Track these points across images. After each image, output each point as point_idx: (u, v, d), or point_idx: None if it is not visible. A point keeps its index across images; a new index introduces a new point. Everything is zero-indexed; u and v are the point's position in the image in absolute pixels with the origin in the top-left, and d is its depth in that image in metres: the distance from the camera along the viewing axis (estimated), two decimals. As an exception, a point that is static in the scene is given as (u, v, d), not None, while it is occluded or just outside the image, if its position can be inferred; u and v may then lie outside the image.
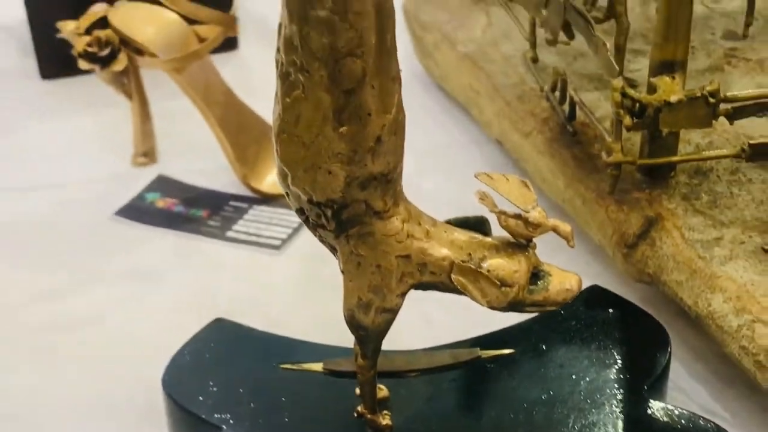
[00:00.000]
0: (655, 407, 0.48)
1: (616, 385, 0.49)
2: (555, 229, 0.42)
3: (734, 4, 0.78)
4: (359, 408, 0.48)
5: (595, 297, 0.55)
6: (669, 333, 0.52)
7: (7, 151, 0.83)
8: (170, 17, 0.74)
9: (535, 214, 0.42)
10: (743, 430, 0.52)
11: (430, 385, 0.50)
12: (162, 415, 0.52)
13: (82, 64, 0.73)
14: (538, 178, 0.69)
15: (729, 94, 0.57)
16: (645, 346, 0.52)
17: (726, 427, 0.47)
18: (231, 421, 0.48)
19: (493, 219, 0.43)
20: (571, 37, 0.65)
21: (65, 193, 0.76)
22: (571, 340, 0.52)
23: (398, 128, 0.41)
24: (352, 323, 0.45)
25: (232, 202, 0.74)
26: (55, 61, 0.90)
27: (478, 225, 0.44)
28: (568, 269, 0.45)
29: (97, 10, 0.75)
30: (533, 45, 0.74)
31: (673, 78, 0.57)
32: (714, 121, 0.57)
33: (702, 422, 0.47)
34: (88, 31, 0.73)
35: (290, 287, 0.66)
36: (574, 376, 0.50)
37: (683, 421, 0.47)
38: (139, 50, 0.74)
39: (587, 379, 0.50)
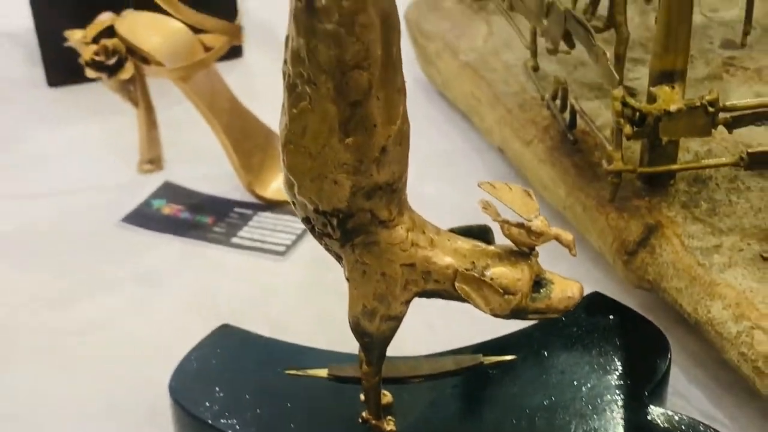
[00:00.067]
0: (656, 413, 0.48)
1: (617, 391, 0.50)
2: (557, 238, 0.42)
3: (732, 13, 0.78)
4: (364, 414, 0.48)
5: (595, 304, 0.55)
6: (669, 339, 0.52)
7: (15, 158, 0.83)
8: (176, 26, 0.75)
9: (538, 223, 0.42)
10: (743, 435, 0.53)
11: (433, 391, 0.50)
12: (168, 419, 0.52)
13: (90, 73, 0.73)
14: (539, 185, 0.69)
15: (728, 103, 0.57)
16: (645, 352, 0.52)
17: (725, 433, 0.47)
18: (237, 427, 0.48)
19: (496, 227, 0.43)
20: (571, 46, 0.65)
21: (72, 200, 0.76)
22: (573, 347, 0.52)
23: (403, 139, 0.41)
24: (357, 330, 0.45)
25: (237, 209, 0.74)
26: (62, 69, 0.90)
27: (481, 233, 0.44)
28: (569, 275, 0.45)
29: (104, 19, 0.75)
30: (534, 54, 0.74)
31: (673, 87, 0.57)
32: (713, 130, 0.57)
33: (702, 428, 0.47)
34: (95, 40, 0.73)
35: (294, 293, 0.66)
36: (575, 382, 0.50)
37: (683, 427, 0.47)
38: (145, 59, 0.74)
39: (588, 385, 0.50)
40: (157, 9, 0.71)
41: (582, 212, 0.63)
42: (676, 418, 0.48)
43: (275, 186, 0.75)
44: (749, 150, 0.58)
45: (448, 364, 0.52)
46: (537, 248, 0.43)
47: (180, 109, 0.77)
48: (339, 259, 0.44)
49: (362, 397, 0.48)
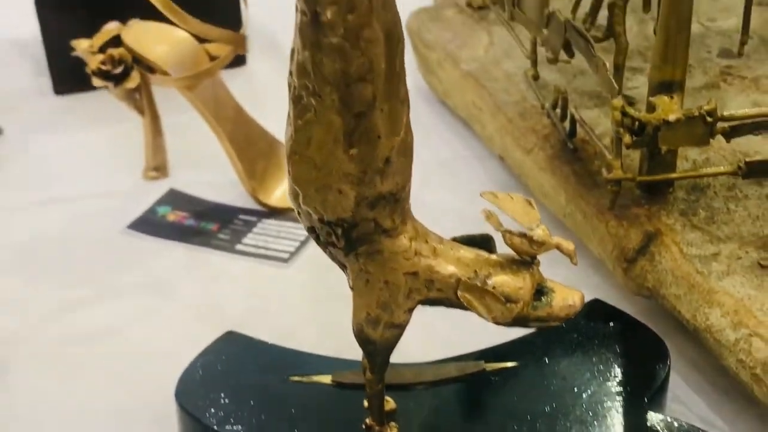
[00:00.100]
0: (655, 419, 0.48)
1: (617, 398, 0.50)
2: (558, 247, 0.43)
3: (730, 23, 0.79)
4: (367, 420, 0.48)
5: (596, 311, 0.55)
6: (668, 346, 0.53)
7: (22, 166, 0.83)
8: (181, 36, 0.75)
9: (539, 233, 0.42)
10: (741, 441, 0.53)
11: (436, 398, 0.50)
12: (173, 425, 0.52)
13: (96, 82, 0.74)
14: (539, 193, 0.69)
15: (726, 113, 0.57)
16: (645, 359, 0.52)
17: (724, 439, 0.47)
18: (242, 432, 0.49)
19: (498, 236, 0.43)
20: (571, 55, 0.65)
21: (78, 207, 0.77)
22: (573, 354, 0.53)
23: (407, 149, 0.41)
24: (361, 338, 0.45)
25: (241, 216, 0.75)
26: (69, 77, 0.90)
27: (483, 242, 0.44)
28: (570, 282, 0.45)
29: (110, 29, 0.75)
30: (534, 63, 0.74)
31: (672, 97, 0.57)
32: (711, 140, 0.57)
33: (701, 434, 0.47)
34: (101, 50, 0.74)
35: (298, 299, 0.66)
36: (576, 389, 0.50)
37: (683, 433, 0.47)
38: (151, 68, 0.74)
39: (589, 391, 0.50)
40: (163, 19, 0.71)
41: (582, 220, 0.64)
42: (676, 424, 0.48)
43: (279, 193, 0.75)
44: (747, 159, 0.59)
45: (451, 371, 0.52)
46: (538, 257, 0.44)
47: (185, 117, 0.77)
48: (343, 267, 0.44)
49: (366, 403, 0.48)
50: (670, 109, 0.56)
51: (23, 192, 0.79)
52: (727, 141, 0.58)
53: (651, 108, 0.57)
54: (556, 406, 0.49)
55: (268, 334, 0.57)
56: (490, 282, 0.43)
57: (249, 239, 0.72)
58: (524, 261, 0.43)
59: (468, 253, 0.44)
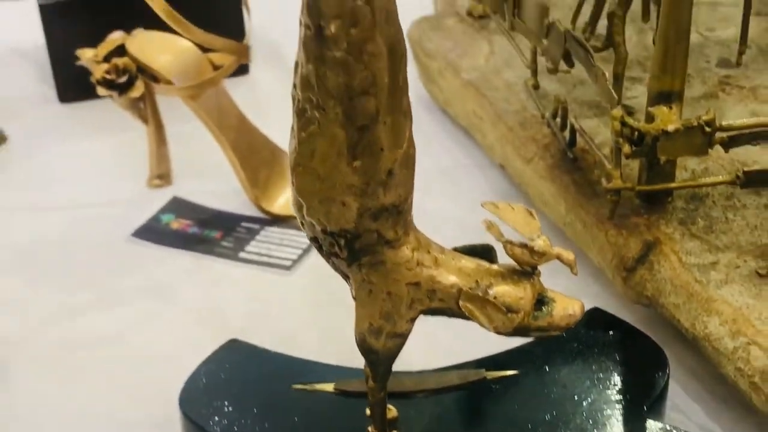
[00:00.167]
0: (655, 427, 0.48)
1: (616, 406, 0.50)
2: (559, 258, 0.43)
3: (728, 33, 0.79)
4: (370, 428, 0.48)
5: (595, 320, 0.55)
6: (667, 354, 0.53)
7: (28, 173, 0.83)
8: (185, 45, 0.75)
9: (540, 243, 0.42)
10: (740, 449, 0.53)
11: (437, 406, 0.51)
12: (175, 429, 0.52)
13: (101, 91, 0.74)
14: (539, 202, 0.69)
15: (724, 123, 0.57)
16: (644, 367, 0.52)
17: (723, 447, 0.47)
18: (246, 440, 0.49)
19: (499, 246, 0.43)
20: (571, 65, 0.65)
21: (83, 215, 0.77)
22: (573, 362, 0.53)
23: (409, 162, 0.41)
24: (364, 347, 0.45)
25: (244, 224, 0.75)
26: (73, 85, 0.90)
27: (484, 253, 0.45)
28: (569, 291, 0.45)
29: (114, 38, 0.75)
30: (534, 73, 0.75)
31: (671, 108, 0.57)
32: (710, 150, 0.57)
33: (700, 442, 0.47)
34: (106, 59, 0.74)
35: (301, 307, 0.66)
36: (576, 397, 0.51)
37: (682, 441, 0.47)
38: (155, 77, 0.74)
39: (589, 399, 0.50)
40: (167, 28, 0.71)
41: (582, 229, 0.64)
42: (675, 432, 0.48)
43: (282, 201, 0.76)
44: (745, 168, 0.59)
45: (452, 379, 0.52)
46: (539, 267, 0.44)
47: (188, 125, 0.78)
48: (346, 278, 0.45)
49: (368, 411, 0.48)
50: (669, 119, 0.57)
51: (28, 199, 0.79)
52: (726, 151, 0.58)
53: (650, 118, 0.57)
54: (557, 414, 0.49)
55: (270, 341, 0.57)
56: (491, 292, 0.43)
57: (252, 247, 0.72)
58: (525, 271, 0.43)
59: (469, 263, 0.44)
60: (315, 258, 0.68)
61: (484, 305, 0.43)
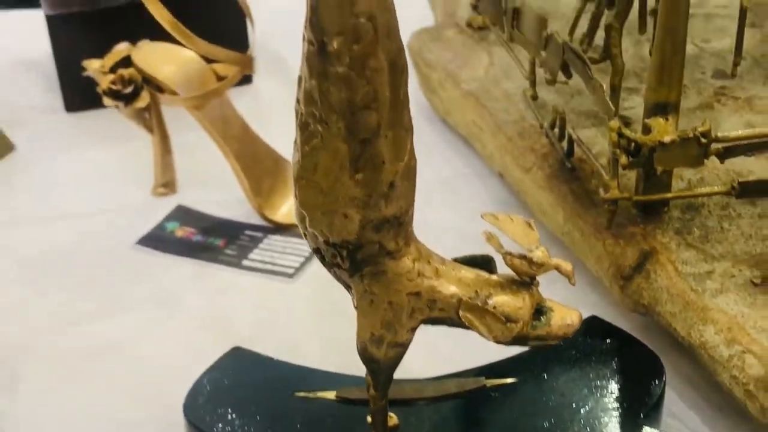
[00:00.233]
0: (651, 435, 0.48)
1: (613, 413, 0.50)
2: (557, 268, 0.43)
3: (723, 44, 0.79)
4: (371, 436, 0.48)
5: (593, 328, 0.55)
6: (664, 362, 0.53)
7: (34, 182, 0.83)
8: (190, 56, 0.75)
9: (539, 254, 0.43)
10: (735, 456, 0.53)
11: (437, 413, 0.51)
12: (181, 436, 0.52)
13: (107, 102, 0.74)
14: (538, 211, 0.69)
15: (720, 134, 0.57)
16: (641, 375, 0.52)
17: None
18: (249, 447, 0.49)
19: (498, 257, 0.43)
20: (569, 76, 0.66)
21: (89, 223, 0.77)
22: (571, 370, 0.53)
23: (410, 174, 0.42)
24: (365, 356, 0.45)
25: (247, 232, 0.75)
26: (80, 94, 0.91)
27: (484, 263, 0.45)
28: (567, 298, 0.45)
29: (120, 49, 0.76)
30: (533, 83, 0.75)
31: (667, 119, 0.57)
32: (705, 160, 0.58)
33: (696, 449, 0.47)
34: (112, 70, 0.74)
35: (303, 313, 0.66)
36: (573, 405, 0.51)
37: (678, 449, 0.47)
38: (160, 88, 0.75)
39: (586, 407, 0.50)
40: (172, 40, 0.72)
41: (580, 238, 0.64)
42: (671, 439, 0.48)
43: (284, 209, 0.76)
44: (740, 179, 0.59)
45: (452, 387, 0.52)
46: (537, 277, 0.44)
47: (193, 135, 0.78)
48: (348, 288, 0.45)
49: (369, 418, 0.48)
50: (665, 130, 0.57)
51: (35, 206, 0.80)
52: (721, 162, 0.58)
53: (646, 130, 0.57)
54: (555, 422, 0.49)
55: (273, 348, 0.57)
56: (490, 302, 0.43)
57: (255, 255, 0.72)
58: (524, 281, 0.44)
59: (469, 273, 0.44)
60: (317, 266, 0.68)
61: (483, 315, 0.43)
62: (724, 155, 0.58)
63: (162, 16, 0.71)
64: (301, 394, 0.52)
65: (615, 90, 0.65)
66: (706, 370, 0.54)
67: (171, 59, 0.75)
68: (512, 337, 0.43)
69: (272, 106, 0.92)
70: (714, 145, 0.57)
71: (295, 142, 0.41)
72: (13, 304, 0.68)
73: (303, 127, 0.40)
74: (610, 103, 0.59)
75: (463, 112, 0.81)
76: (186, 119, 0.76)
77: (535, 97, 0.75)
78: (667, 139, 0.56)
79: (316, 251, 0.44)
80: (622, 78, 0.65)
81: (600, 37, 0.74)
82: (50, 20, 0.90)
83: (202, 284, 0.69)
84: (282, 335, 0.63)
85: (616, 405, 0.50)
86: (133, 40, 0.76)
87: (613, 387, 0.52)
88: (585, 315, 0.47)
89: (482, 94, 0.79)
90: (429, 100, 0.88)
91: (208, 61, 0.75)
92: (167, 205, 0.78)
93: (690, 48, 0.71)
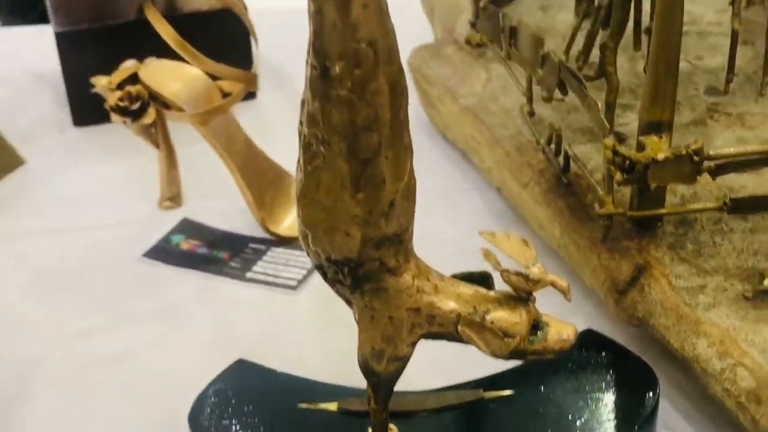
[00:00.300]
0: (646, 446, 0.49)
1: (609, 425, 0.50)
2: (553, 285, 0.43)
3: (716, 61, 0.79)
4: (372, 447, 0.49)
5: (589, 340, 0.55)
6: (658, 374, 0.53)
7: (42, 195, 0.84)
8: (195, 73, 0.76)
9: (535, 271, 0.43)
10: (728, 467, 0.53)
11: (437, 425, 0.51)
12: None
13: (114, 118, 0.74)
14: (535, 225, 0.70)
15: (712, 152, 0.57)
16: (636, 387, 0.52)
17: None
18: (253, 458, 0.49)
19: (496, 273, 0.44)
20: (565, 93, 0.66)
21: (96, 235, 0.77)
22: (567, 382, 0.53)
23: (410, 193, 0.42)
24: (366, 370, 0.45)
25: (251, 245, 0.75)
26: (88, 109, 0.91)
27: (482, 279, 0.45)
28: (564, 311, 0.46)
29: (128, 67, 0.76)
30: (530, 100, 0.75)
31: (660, 137, 0.58)
32: (698, 177, 0.58)
33: (689, 461, 0.48)
34: (119, 86, 0.74)
35: (306, 326, 0.66)
36: (570, 416, 0.51)
37: (672, 460, 0.48)
38: (166, 104, 0.75)
39: (582, 418, 0.51)
40: (178, 57, 0.72)
41: (576, 251, 0.64)
42: (665, 451, 0.48)
43: (287, 223, 0.76)
44: (732, 195, 0.59)
45: (451, 399, 0.52)
46: (534, 293, 0.44)
47: (198, 149, 0.78)
48: (349, 303, 0.45)
49: (370, 430, 0.49)
50: (658, 148, 0.57)
51: (43, 219, 0.80)
52: (713, 178, 0.59)
53: (641, 147, 0.58)
54: (551, 433, 0.50)
55: (276, 359, 0.57)
56: (488, 317, 0.43)
57: (259, 267, 0.72)
58: (521, 297, 0.44)
59: (467, 289, 0.44)
60: (319, 278, 0.67)
61: (481, 330, 0.43)
62: (715, 172, 0.58)
63: (168, 34, 0.72)
64: (304, 405, 0.52)
65: (610, 107, 0.65)
66: (699, 382, 0.55)
67: (177, 76, 0.76)
68: (509, 352, 0.44)
69: (275, 120, 0.93)
70: (706, 163, 0.57)
71: (298, 161, 0.41)
72: (24, 318, 0.68)
73: (306, 147, 0.40)
74: (605, 120, 0.60)
75: (462, 127, 0.81)
76: (191, 133, 0.76)
77: (532, 113, 0.75)
78: (660, 156, 0.57)
79: (319, 268, 0.44)
80: (616, 95, 0.65)
81: (595, 54, 0.74)
82: (59, 37, 0.91)
83: (207, 296, 0.70)
84: (285, 347, 0.64)
85: (611, 416, 0.51)
86: (140, 58, 0.77)
87: (609, 398, 0.52)
88: (580, 326, 0.47)
89: (480, 110, 0.79)
90: (429, 115, 0.88)
91: (213, 78, 0.76)
92: (173, 218, 0.78)
93: (683, 65, 0.72)
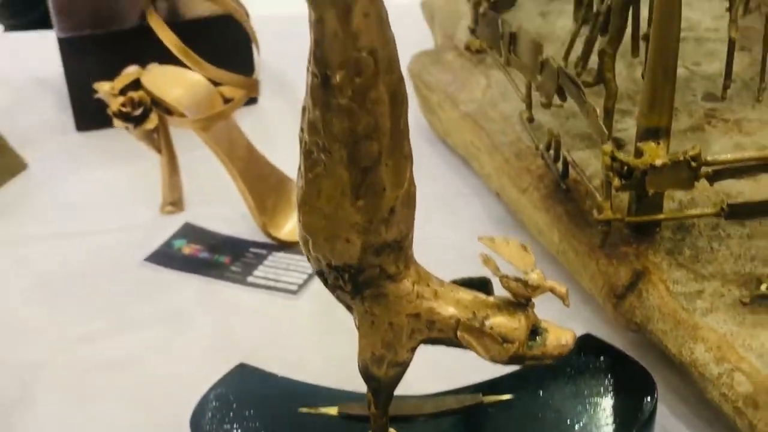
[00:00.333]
0: (644, 451, 0.49)
1: (607, 429, 0.50)
2: (552, 290, 0.43)
3: (714, 67, 0.80)
4: (372, 451, 0.49)
5: (587, 345, 0.55)
6: (656, 378, 0.53)
7: (44, 200, 0.84)
8: (197, 79, 0.76)
9: (534, 277, 0.43)
10: (725, 471, 0.53)
11: (436, 429, 0.51)
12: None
13: (117, 123, 0.75)
14: (534, 230, 0.70)
15: (709, 158, 0.58)
16: (634, 392, 0.53)
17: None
18: (254, 462, 0.49)
19: (495, 279, 0.44)
20: (564, 100, 0.66)
21: (99, 240, 0.77)
22: (566, 387, 0.53)
23: (410, 200, 0.42)
24: (366, 375, 0.46)
25: (252, 249, 0.75)
26: (90, 114, 0.91)
27: (481, 285, 0.45)
28: (562, 316, 0.46)
29: (130, 72, 0.76)
30: (529, 106, 0.75)
31: (658, 143, 0.58)
32: (696, 182, 0.58)
33: (687, 465, 0.48)
34: (122, 92, 0.75)
35: (307, 330, 0.67)
36: (568, 420, 0.51)
37: (669, 464, 0.48)
38: (168, 110, 0.75)
39: (581, 423, 0.51)
40: (180, 63, 0.72)
41: (574, 257, 0.64)
42: (663, 455, 0.48)
43: (288, 228, 0.76)
44: (729, 201, 0.59)
45: (450, 403, 0.52)
46: (533, 299, 0.44)
47: (200, 155, 0.78)
48: (350, 309, 0.45)
49: (370, 435, 0.49)
50: (656, 154, 0.57)
51: (45, 224, 0.80)
52: (711, 184, 0.59)
53: (639, 153, 0.58)
54: (550, 438, 0.50)
55: (277, 363, 0.57)
56: (487, 323, 0.43)
57: (259, 272, 0.73)
58: (520, 303, 0.44)
59: (467, 295, 0.44)
60: (320, 283, 0.68)
61: (481, 336, 0.43)
62: (713, 178, 0.58)
63: (170, 40, 0.72)
64: (305, 409, 0.52)
65: (608, 113, 0.65)
66: (696, 386, 0.55)
67: (179, 82, 0.76)
68: (508, 357, 0.44)
69: (276, 126, 0.93)
70: (704, 169, 0.57)
71: (299, 169, 0.41)
72: (27, 323, 0.68)
73: (307, 155, 0.40)
74: (603, 126, 0.60)
75: (462, 133, 0.81)
76: (193, 139, 0.77)
77: (531, 120, 0.75)
78: (658, 162, 0.57)
79: (320, 274, 0.44)
80: (615, 102, 0.66)
81: (594, 60, 0.74)
82: (62, 43, 0.91)
83: (208, 301, 0.70)
84: (286, 351, 0.64)
85: (609, 420, 0.51)
86: (143, 63, 0.77)
87: (607, 403, 0.52)
88: (579, 331, 0.47)
89: (480, 116, 0.80)
90: (429, 121, 0.89)
91: (215, 84, 0.76)
92: (175, 223, 0.79)
93: (681, 71, 0.72)
